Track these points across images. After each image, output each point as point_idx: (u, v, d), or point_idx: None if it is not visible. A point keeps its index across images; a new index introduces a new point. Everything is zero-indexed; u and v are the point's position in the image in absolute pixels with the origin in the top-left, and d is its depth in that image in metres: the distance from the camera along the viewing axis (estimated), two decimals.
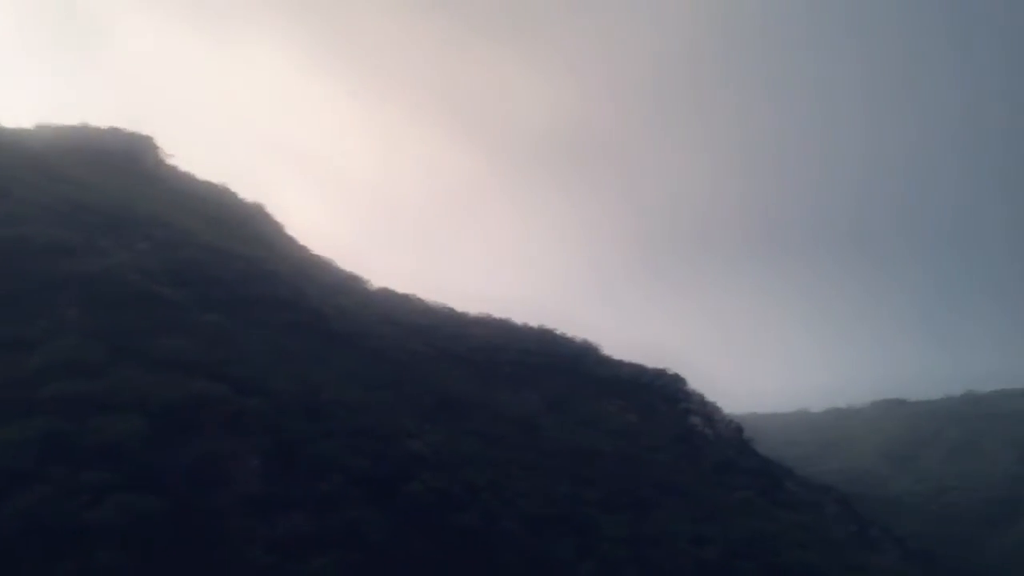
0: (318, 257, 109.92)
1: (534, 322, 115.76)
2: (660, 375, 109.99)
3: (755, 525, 70.73)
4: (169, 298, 58.64)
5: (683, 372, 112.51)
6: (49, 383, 43.71)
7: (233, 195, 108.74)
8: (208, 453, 43.56)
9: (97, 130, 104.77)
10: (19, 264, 55.45)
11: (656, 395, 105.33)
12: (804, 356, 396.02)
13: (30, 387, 43.26)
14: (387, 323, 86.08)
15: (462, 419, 67.80)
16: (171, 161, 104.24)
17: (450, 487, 52.14)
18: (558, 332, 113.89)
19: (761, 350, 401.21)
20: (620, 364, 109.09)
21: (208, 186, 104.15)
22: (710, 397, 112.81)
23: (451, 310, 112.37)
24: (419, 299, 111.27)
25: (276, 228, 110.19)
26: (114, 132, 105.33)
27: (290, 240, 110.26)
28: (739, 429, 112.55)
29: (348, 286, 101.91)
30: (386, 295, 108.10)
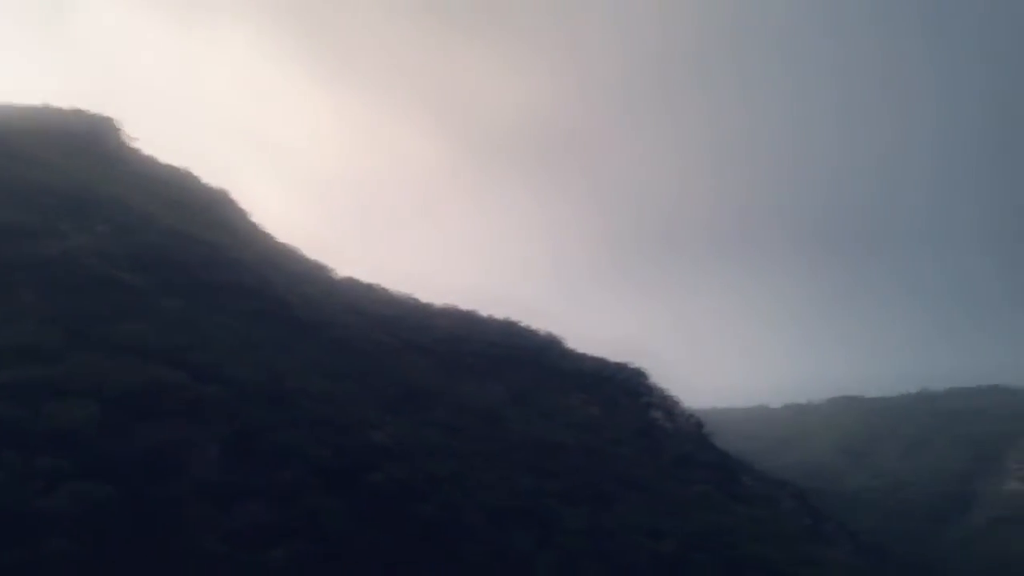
0: (283, 245, 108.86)
1: (499, 314, 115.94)
2: (622, 369, 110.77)
3: (712, 518, 71.70)
4: (129, 283, 57.79)
5: (645, 367, 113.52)
6: (3, 368, 42.89)
7: (197, 180, 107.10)
8: (165, 441, 43.10)
9: (59, 111, 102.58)
10: None
11: (618, 389, 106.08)
12: (765, 353, 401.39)
13: None
14: (352, 313, 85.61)
15: (425, 410, 67.77)
16: (135, 144, 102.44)
17: (412, 478, 52.14)
18: (522, 325, 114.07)
19: (724, 347, 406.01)
20: (583, 358, 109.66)
21: (172, 170, 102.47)
22: (671, 392, 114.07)
23: (416, 301, 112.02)
24: (384, 289, 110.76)
25: (241, 215, 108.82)
26: (77, 113, 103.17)
27: (255, 227, 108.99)
28: (699, 423, 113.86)
29: (313, 275, 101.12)
30: (351, 284, 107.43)
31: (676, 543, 62.19)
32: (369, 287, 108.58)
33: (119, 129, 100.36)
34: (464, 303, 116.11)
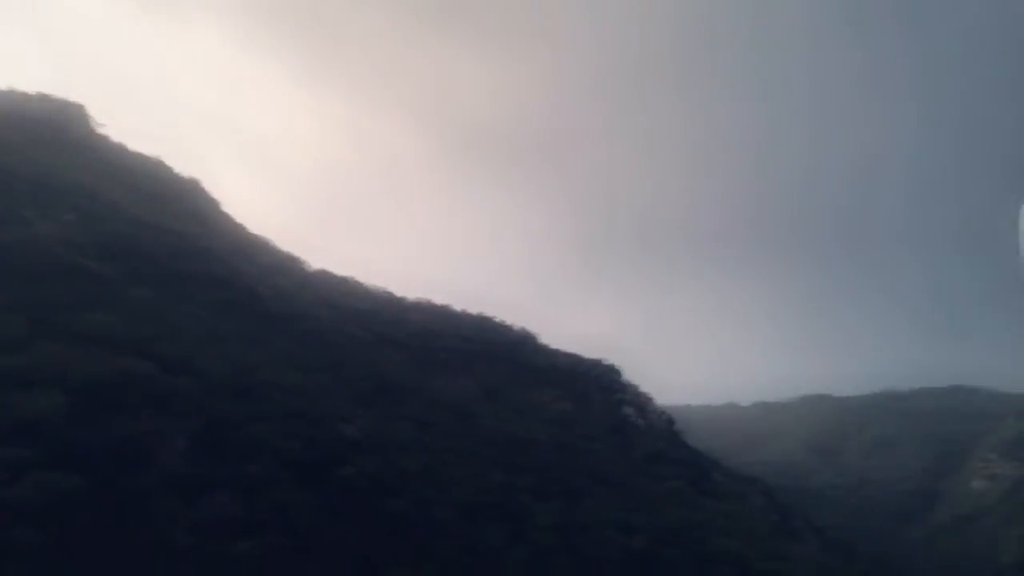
0: (255, 236, 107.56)
1: (473, 309, 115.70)
2: (596, 365, 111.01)
3: (682, 514, 72.18)
4: (96, 272, 56.71)
5: (619, 364, 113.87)
6: None
7: (168, 169, 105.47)
8: (132, 432, 42.38)
9: (26, 96, 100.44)
10: None
11: (591, 385, 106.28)
12: (737, 351, 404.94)
13: None
14: (324, 306, 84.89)
15: (397, 404, 67.38)
16: (104, 131, 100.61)
17: (383, 472, 51.81)
18: (496, 320, 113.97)
19: (696, 345, 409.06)
20: (557, 354, 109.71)
21: (141, 158, 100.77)
22: (644, 388, 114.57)
23: (390, 295, 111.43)
24: (357, 282, 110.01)
25: (212, 205, 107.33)
26: (44, 99, 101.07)
27: (226, 217, 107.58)
28: (670, 420, 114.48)
29: (285, 266, 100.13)
30: (324, 277, 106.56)
31: (647, 539, 62.46)
32: (342, 280, 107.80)
33: (88, 116, 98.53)
34: (439, 298, 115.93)
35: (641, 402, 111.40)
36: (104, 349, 46.47)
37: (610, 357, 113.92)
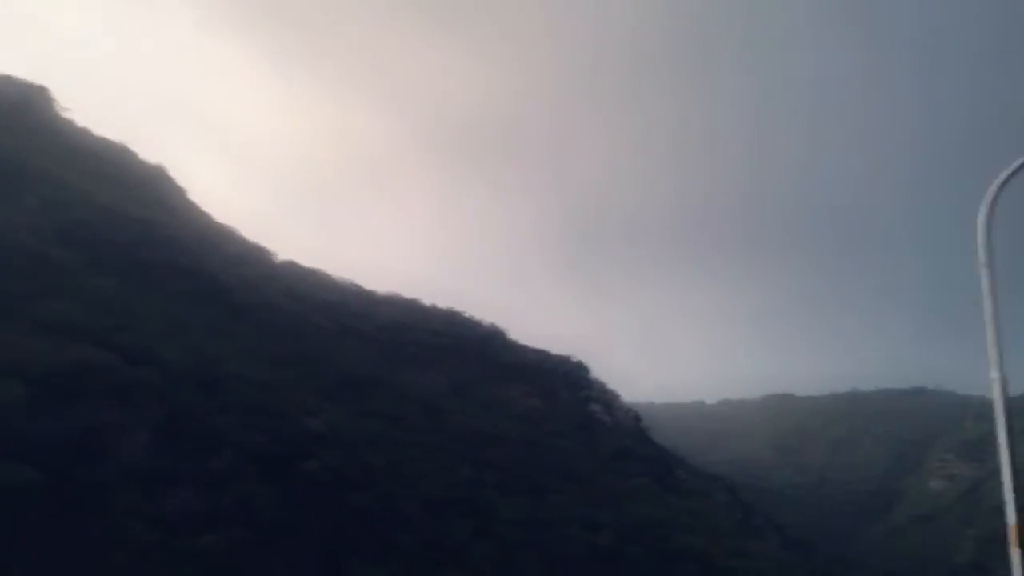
0: (222, 225, 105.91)
1: (443, 304, 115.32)
2: (564, 362, 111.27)
3: (647, 511, 72.64)
4: (56, 259, 55.40)
5: (588, 361, 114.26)
6: None
7: (133, 155, 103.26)
8: (92, 423, 41.48)
9: None
10: None
11: (559, 381, 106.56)
12: (704, 350, 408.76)
13: None
14: (291, 297, 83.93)
15: (364, 398, 66.91)
16: (67, 115, 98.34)
17: (348, 466, 51.42)
18: (466, 315, 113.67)
19: (665, 343, 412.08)
20: (526, 350, 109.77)
21: (106, 144, 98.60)
22: (611, 386, 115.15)
23: (359, 287, 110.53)
24: (326, 274, 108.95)
25: (178, 192, 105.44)
26: (6, 80, 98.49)
27: (192, 206, 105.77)
28: (637, 418, 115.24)
29: (253, 257, 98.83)
30: (292, 268, 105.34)
31: (612, 535, 62.76)
32: (311, 271, 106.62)
33: (52, 99, 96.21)
34: (410, 292, 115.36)
35: (608, 399, 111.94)
36: (64, 338, 45.38)
37: (579, 354, 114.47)
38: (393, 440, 60.97)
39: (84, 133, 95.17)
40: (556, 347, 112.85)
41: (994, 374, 8.87)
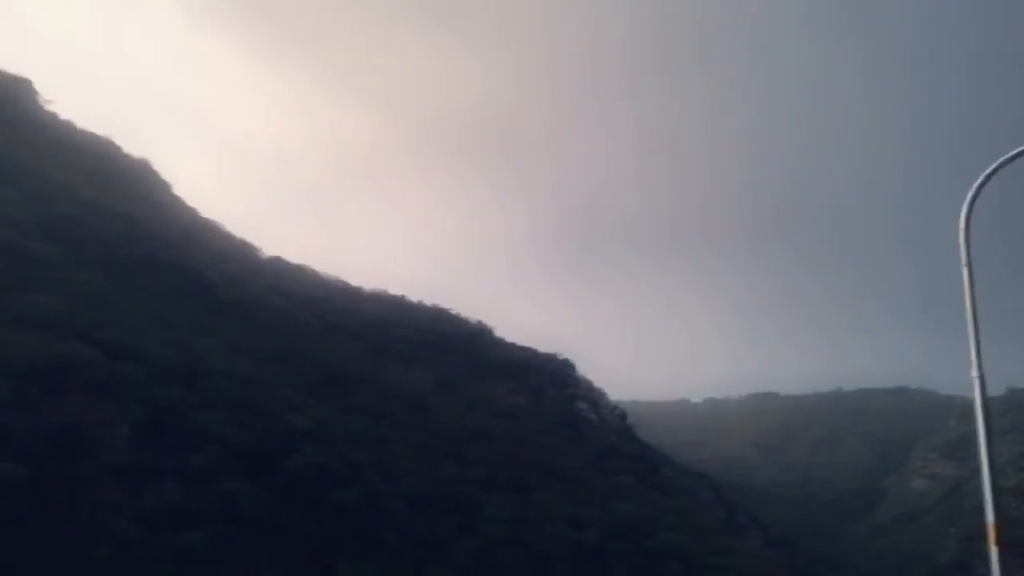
0: (207, 220, 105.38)
1: (429, 301, 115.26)
2: (551, 360, 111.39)
3: (632, 509, 72.80)
4: (39, 254, 54.89)
5: (575, 359, 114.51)
6: None
7: (117, 149, 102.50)
8: (74, 419, 41.17)
9: None
10: None
11: (546, 379, 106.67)
12: (690, 349, 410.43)
13: None
14: (277, 293, 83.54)
15: (350, 395, 66.74)
16: (51, 108, 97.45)
17: (333, 463, 51.23)
18: (453, 312, 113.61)
19: (651, 342, 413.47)
20: (512, 347, 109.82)
21: (90, 137, 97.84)
22: (598, 384, 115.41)
23: (345, 284, 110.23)
24: (312, 270, 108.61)
25: (163, 187, 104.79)
26: None
27: (177, 200, 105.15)
28: (623, 415, 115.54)
29: (238, 252, 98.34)
30: (278, 264, 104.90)
31: (597, 532, 62.86)
32: (297, 268, 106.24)
33: (35, 92, 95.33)
34: (398, 289, 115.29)
35: (594, 397, 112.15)
36: (46, 333, 44.99)
37: (565, 352, 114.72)
38: (378, 437, 60.84)
39: (68, 126, 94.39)
40: (543, 345, 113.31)
41: (974, 372, 8.93)
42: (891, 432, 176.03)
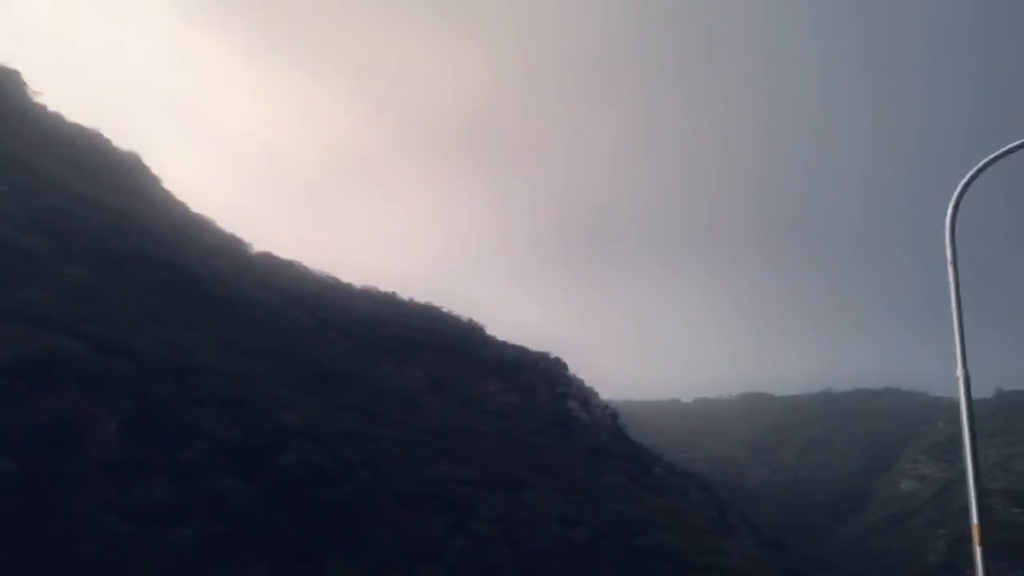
0: (197, 215, 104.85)
1: (423, 299, 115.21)
2: (542, 358, 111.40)
3: (623, 508, 72.83)
4: (27, 247, 54.54)
5: (568, 358, 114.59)
6: None
7: (107, 142, 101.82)
8: (63, 414, 40.95)
9: None
10: None
11: (537, 378, 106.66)
12: (682, 349, 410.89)
13: None
14: (267, 289, 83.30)
15: (341, 392, 66.58)
16: (40, 100, 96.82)
17: (324, 461, 51.10)
18: (444, 310, 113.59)
19: (644, 342, 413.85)
20: (504, 346, 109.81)
21: (79, 130, 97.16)
22: (590, 383, 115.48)
23: (336, 280, 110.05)
24: (303, 266, 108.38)
25: (153, 181, 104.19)
26: None
27: (167, 195, 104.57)
28: (614, 415, 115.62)
29: (228, 248, 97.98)
30: (268, 260, 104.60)
31: (588, 531, 62.88)
32: (287, 264, 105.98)
33: (24, 83, 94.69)
34: (389, 286, 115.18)
35: (586, 396, 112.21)
36: (33, 327, 44.71)
37: (558, 351, 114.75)
38: (369, 435, 60.73)
39: (57, 119, 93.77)
40: (541, 344, 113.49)
41: (959, 371, 8.93)
42: (881, 433, 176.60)
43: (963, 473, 9.13)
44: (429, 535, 52.86)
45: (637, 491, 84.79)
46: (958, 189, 9.29)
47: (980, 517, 8.39)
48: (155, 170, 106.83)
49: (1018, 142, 9.19)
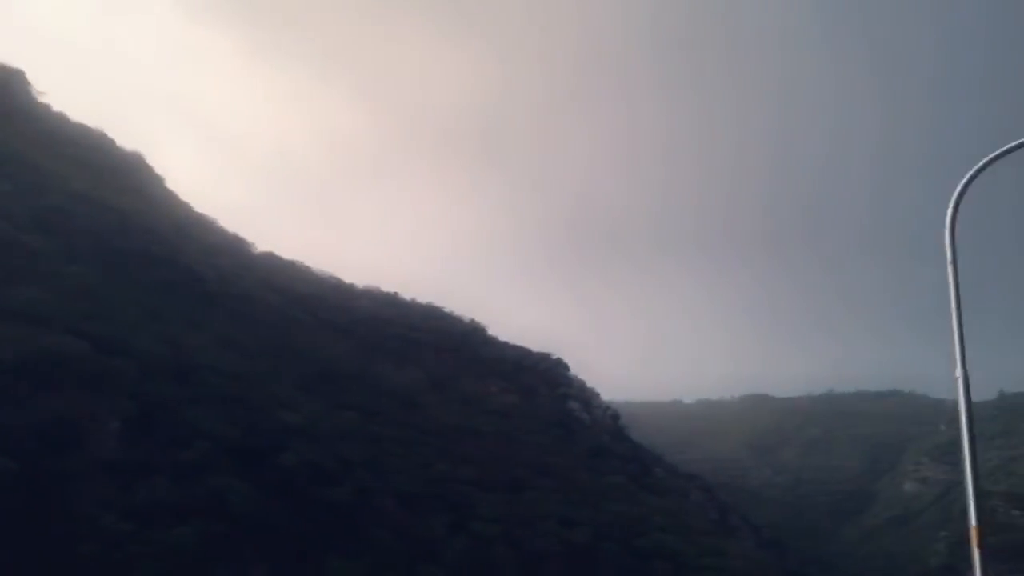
0: (200, 215, 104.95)
1: (427, 299, 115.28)
2: (544, 359, 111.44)
3: (623, 509, 72.78)
4: (31, 246, 54.62)
5: (570, 359, 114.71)
6: None
7: (111, 142, 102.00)
8: (63, 413, 40.98)
9: None
10: None
11: (538, 378, 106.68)
12: (684, 349, 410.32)
13: None
14: (269, 289, 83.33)
15: (342, 392, 66.55)
16: (44, 99, 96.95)
17: (324, 460, 51.09)
18: (446, 310, 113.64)
19: (645, 343, 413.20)
20: (505, 346, 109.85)
21: (83, 130, 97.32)
22: (591, 384, 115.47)
23: (338, 280, 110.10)
24: (305, 266, 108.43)
25: (156, 181, 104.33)
26: None
27: (171, 195, 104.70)
28: (615, 416, 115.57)
29: (230, 247, 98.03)
30: (270, 260, 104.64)
31: (588, 532, 62.81)
32: (289, 263, 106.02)
33: (28, 83, 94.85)
34: (391, 286, 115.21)
35: (587, 397, 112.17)
36: (36, 326, 44.76)
37: (564, 352, 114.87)
38: (370, 435, 60.70)
39: (61, 118, 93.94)
40: (544, 345, 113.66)
41: (958, 372, 8.91)
42: (883, 435, 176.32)
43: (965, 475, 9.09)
44: (430, 535, 52.84)
45: (637, 492, 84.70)
46: (958, 189, 9.29)
47: (979, 519, 8.36)
48: (159, 170, 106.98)
49: (1017, 141, 9.20)
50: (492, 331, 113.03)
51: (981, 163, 9.32)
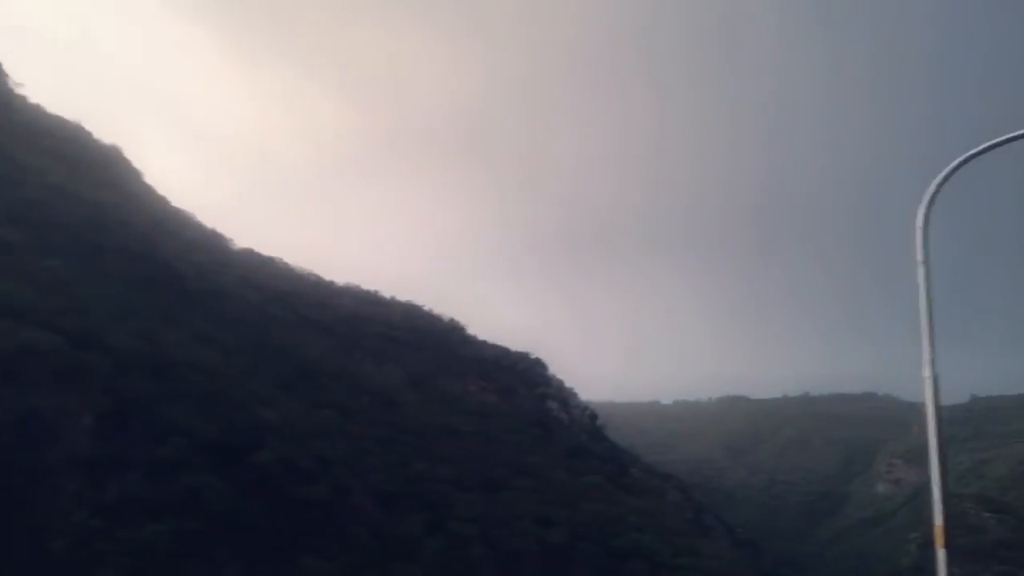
0: (178, 210, 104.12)
1: (409, 298, 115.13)
2: (522, 358, 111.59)
3: (600, 509, 73.03)
4: (4, 239, 53.86)
5: (549, 358, 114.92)
6: None
7: (88, 135, 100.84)
8: (36, 408, 40.43)
9: None
10: None
11: (517, 378, 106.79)
12: (661, 351, 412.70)
13: None
14: (247, 286, 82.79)
15: (320, 390, 66.29)
16: (20, 91, 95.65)
17: (300, 458, 50.82)
18: (425, 309, 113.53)
19: (624, 343, 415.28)
20: (484, 345, 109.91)
21: (60, 122, 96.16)
22: (568, 383, 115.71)
23: (318, 278, 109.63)
24: (284, 263, 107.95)
25: (133, 175, 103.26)
26: None
27: (148, 189, 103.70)
28: (593, 416, 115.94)
29: (209, 243, 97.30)
30: (249, 256, 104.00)
31: (565, 532, 62.95)
32: (268, 260, 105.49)
33: (4, 73, 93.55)
34: (372, 285, 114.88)
35: (565, 396, 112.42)
36: (7, 320, 44.14)
37: (546, 352, 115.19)
38: (347, 433, 60.49)
39: (37, 110, 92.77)
40: (525, 345, 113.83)
41: (927, 372, 9.05)
42: (857, 437, 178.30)
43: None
44: (406, 534, 52.72)
45: (614, 492, 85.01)
46: (930, 189, 9.39)
47: (944, 519, 8.50)
48: (136, 164, 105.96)
49: (994, 140, 9.31)
50: (472, 330, 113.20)
51: (955, 163, 9.39)
